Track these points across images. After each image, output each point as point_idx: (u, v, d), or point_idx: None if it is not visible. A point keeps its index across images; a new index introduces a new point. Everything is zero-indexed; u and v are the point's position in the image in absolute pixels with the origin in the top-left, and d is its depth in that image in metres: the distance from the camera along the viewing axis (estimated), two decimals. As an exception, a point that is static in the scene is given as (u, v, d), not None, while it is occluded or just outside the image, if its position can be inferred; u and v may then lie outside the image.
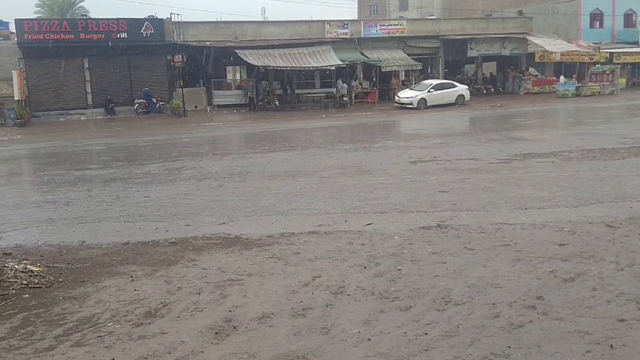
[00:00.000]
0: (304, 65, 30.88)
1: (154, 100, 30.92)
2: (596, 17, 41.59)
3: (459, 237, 7.30)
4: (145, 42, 30.48)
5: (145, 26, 30.57)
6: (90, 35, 29.76)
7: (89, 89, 30.74)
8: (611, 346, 4.32)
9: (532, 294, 5.35)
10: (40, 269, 6.51)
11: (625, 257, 6.26)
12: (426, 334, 4.64)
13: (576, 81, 34.74)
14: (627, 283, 5.54)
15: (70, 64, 30.20)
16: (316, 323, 4.95)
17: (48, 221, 9.09)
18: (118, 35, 30.04)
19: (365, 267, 6.31)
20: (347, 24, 34.77)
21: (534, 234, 7.31)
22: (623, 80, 36.93)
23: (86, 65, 30.49)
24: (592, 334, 4.53)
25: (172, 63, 30.53)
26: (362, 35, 34.69)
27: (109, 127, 26.17)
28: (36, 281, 6.17)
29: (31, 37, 28.88)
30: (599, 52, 37.65)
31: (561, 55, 35.45)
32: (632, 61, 39.55)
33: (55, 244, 7.77)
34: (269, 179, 11.77)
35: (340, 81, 32.70)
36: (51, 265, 6.75)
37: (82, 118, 30.12)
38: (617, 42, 41.03)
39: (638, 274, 5.77)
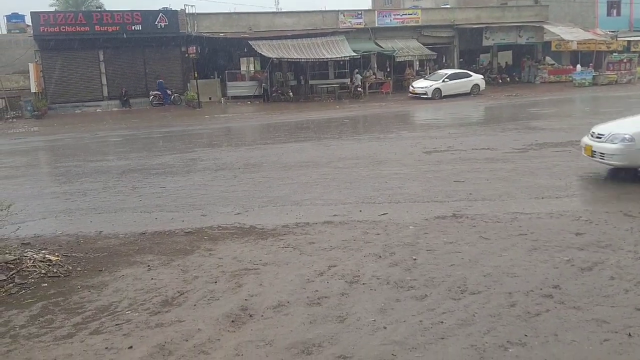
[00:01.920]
0: (317, 57, 30.79)
1: (169, 92, 31.02)
2: (613, 5, 41.01)
3: (474, 226, 7.26)
4: (159, 33, 30.55)
5: (160, 18, 30.64)
6: (105, 27, 29.89)
7: (104, 81, 30.92)
8: (629, 335, 4.29)
9: (549, 283, 5.32)
10: (59, 258, 6.59)
11: (643, 246, 6.19)
12: (442, 322, 4.63)
13: (593, 70, 34.28)
14: (645, 272, 5.49)
15: (85, 56, 30.39)
16: (332, 312, 4.96)
17: (65, 211, 9.19)
18: (132, 27, 30.13)
19: (380, 256, 6.31)
20: (361, 14, 34.58)
21: (550, 223, 7.25)
22: (640, 69, 36.42)
23: (101, 57, 30.66)
24: (609, 322, 4.49)
25: (187, 55, 30.56)
26: (376, 25, 34.49)
27: (124, 118, 26.33)
28: (55, 270, 6.25)
29: (47, 29, 29.06)
30: (616, 40, 37.10)
31: (578, 43, 34.99)
32: (651, 49, 38.95)
33: (73, 233, 7.85)
34: (284, 170, 11.78)
35: (356, 71, 32.61)
36: (69, 254, 6.82)
37: (98, 110, 30.33)
38: (634, 30, 40.42)
39: (656, 263, 5.71)
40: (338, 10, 34.32)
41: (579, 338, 4.28)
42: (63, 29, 29.20)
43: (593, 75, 33.45)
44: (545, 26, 36.46)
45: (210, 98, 31.38)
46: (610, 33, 38.05)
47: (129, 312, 5.20)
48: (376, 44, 33.88)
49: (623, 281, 5.31)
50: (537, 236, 6.71)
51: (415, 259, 6.15)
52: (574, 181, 9.44)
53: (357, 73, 32.66)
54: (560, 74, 36.39)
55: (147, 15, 30.44)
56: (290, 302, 5.20)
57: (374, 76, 34.44)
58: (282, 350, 4.33)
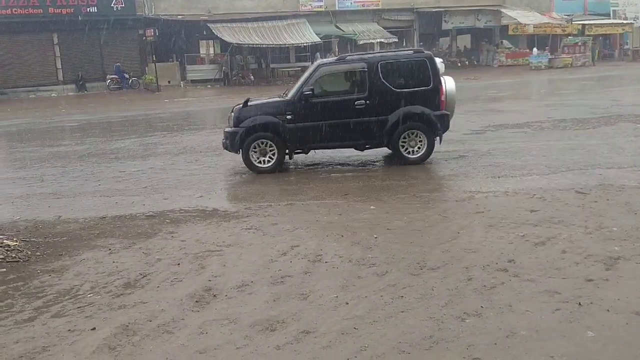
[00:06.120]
0: (280, 42, 30.60)
1: (126, 76, 30.47)
2: (568, -11, 41.83)
3: (433, 207, 7.43)
4: (115, 16, 29.90)
5: (116, 0, 29.94)
6: (59, 9, 29.08)
7: (59, 65, 30.17)
8: (579, 304, 4.50)
9: (505, 258, 5.50)
10: (17, 243, 6.48)
11: (593, 222, 6.45)
12: (402, 297, 4.77)
13: (549, 53, 35.07)
14: (595, 245, 5.73)
15: (39, 40, 29.55)
16: (295, 289, 5.04)
17: (23, 197, 9.01)
18: (88, 9, 29.42)
19: (342, 236, 6.41)
20: (322, -3, 34.45)
21: (506, 201, 7.47)
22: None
23: (55, 40, 29.86)
24: (561, 293, 4.70)
25: (144, 38, 30.04)
26: (337, 8, 34.47)
27: (81, 103, 25.76)
28: (13, 255, 6.16)
29: (-2, 11, 28.11)
30: (571, 24, 38.00)
31: (534, 27, 35.74)
32: (604, 33, 40.02)
33: (31, 219, 7.72)
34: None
35: (318, 55, 32.47)
36: (28, 239, 6.72)
37: (53, 95, 29.59)
38: (589, 14, 41.41)
39: (606, 237, 5.96)
40: (298, -7, 34.11)
41: (532, 308, 4.46)
42: (15, 11, 28.30)
43: (549, 59, 34.23)
44: (503, 10, 37.05)
45: (169, 82, 30.93)
46: (566, 17, 38.91)
47: (91, 295, 5.18)
48: (337, 27, 33.88)
49: (574, 254, 5.53)
50: (494, 214, 6.92)
51: (376, 238, 6.27)
52: (529, 161, 9.70)
53: (317, 58, 32.55)
54: (517, 58, 37.12)
55: (103, -3, 29.72)
56: (254, 282, 5.26)
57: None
58: (247, 328, 4.39)
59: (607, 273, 5.07)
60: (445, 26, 36.85)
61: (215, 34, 29.96)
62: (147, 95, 28.16)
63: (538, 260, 5.43)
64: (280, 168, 9.79)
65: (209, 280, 5.35)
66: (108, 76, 30.42)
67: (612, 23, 40.10)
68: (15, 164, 12.10)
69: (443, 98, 9.72)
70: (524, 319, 4.31)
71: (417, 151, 9.69)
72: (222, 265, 5.74)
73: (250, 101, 9.81)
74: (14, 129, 18.45)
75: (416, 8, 36.26)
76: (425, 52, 10.23)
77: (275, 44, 30.62)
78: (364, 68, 9.61)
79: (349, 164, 10.28)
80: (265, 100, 10.26)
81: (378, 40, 34.50)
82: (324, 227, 6.74)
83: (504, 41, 38.82)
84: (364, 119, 9.54)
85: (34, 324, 4.65)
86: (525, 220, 6.63)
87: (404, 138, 9.61)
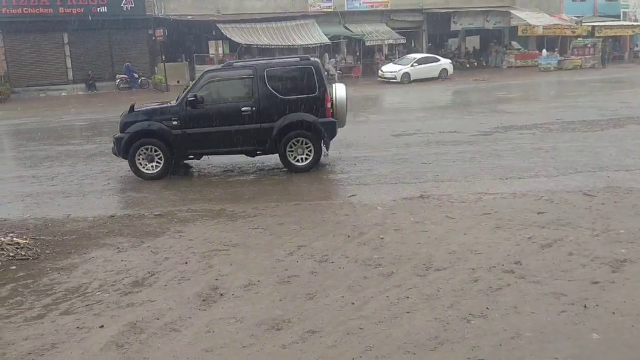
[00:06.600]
0: (288, 43, 30.61)
1: (136, 75, 30.56)
2: (578, -9, 41.62)
3: (440, 206, 7.44)
4: (125, 16, 29.98)
5: (125, 0, 30.07)
6: (70, 9, 29.19)
7: (69, 64, 30.28)
8: (585, 306, 4.50)
9: (511, 259, 5.51)
10: (27, 241, 6.55)
11: (600, 224, 6.44)
12: (408, 297, 4.79)
13: (558, 55, 34.90)
14: (602, 248, 5.72)
15: (49, 39, 29.68)
16: (301, 289, 5.07)
17: (32, 195, 9.09)
18: (98, 9, 29.50)
19: (349, 236, 6.43)
20: (331, -3, 34.44)
21: (513, 202, 7.47)
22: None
23: (66, 40, 29.98)
24: (567, 295, 4.70)
25: (154, 37, 30.10)
26: (345, 9, 34.40)
27: (90, 102, 25.89)
28: (23, 253, 6.23)
29: (9, 11, 28.27)
30: (581, 25, 37.76)
31: (543, 29, 35.55)
32: (614, 35, 39.77)
33: (41, 217, 7.79)
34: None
35: (327, 55, 32.44)
36: (37, 237, 6.79)
37: (63, 94, 29.72)
38: (598, 16, 41.17)
39: (613, 239, 5.95)
40: (307, -6, 34.11)
41: (538, 310, 4.47)
42: (26, 10, 28.43)
43: (558, 60, 34.04)
44: (512, 11, 36.88)
45: (178, 81, 30.96)
46: (575, 18, 38.67)
47: (100, 293, 5.23)
48: (345, 27, 33.85)
49: (581, 257, 5.53)
50: (501, 215, 6.92)
51: (382, 238, 6.29)
52: (537, 162, 9.68)
53: (332, 59, 32.49)
54: (527, 59, 36.91)
55: (113, -3, 29.85)
56: (261, 281, 5.29)
57: (344, 61, 34.42)
58: (253, 327, 4.43)
59: (614, 275, 5.07)
60: (454, 27, 36.72)
61: (224, 34, 30.02)
62: (156, 95, 28.18)
63: (544, 262, 5.43)
64: (169, 174, 9.73)
65: (216, 279, 5.39)
66: (117, 76, 30.53)
67: (622, 25, 39.82)
68: (26, 163, 12.19)
69: (329, 105, 9.65)
70: (530, 320, 4.32)
71: (304, 159, 9.66)
72: (229, 264, 5.78)
73: (136, 107, 9.85)
74: (24, 127, 18.57)
75: (425, 9, 36.15)
76: (312, 59, 10.12)
77: (283, 45, 30.63)
78: (250, 75, 9.60)
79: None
80: (151, 106, 10.26)
81: (386, 41, 34.47)
82: (331, 228, 6.75)
83: (513, 42, 38.65)
84: (251, 126, 9.51)
85: (43, 321, 4.71)
86: (533, 222, 6.63)
87: (291, 145, 9.59)
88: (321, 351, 4.04)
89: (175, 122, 9.50)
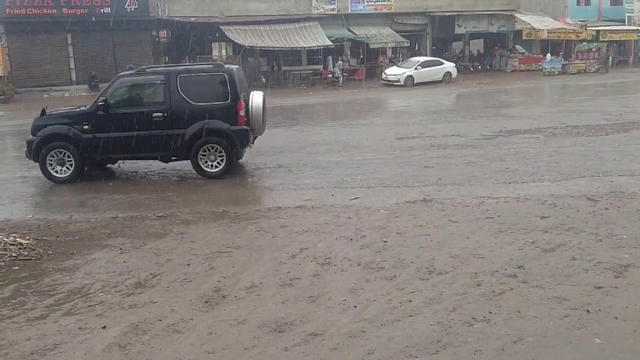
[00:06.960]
0: (292, 45, 30.63)
1: (139, 77, 30.62)
2: (583, -5, 41.58)
3: (443, 210, 7.43)
4: (129, 17, 30.04)
5: (129, 1, 30.12)
6: (73, 10, 29.27)
7: (72, 65, 30.33)
8: (587, 311, 4.49)
9: (514, 264, 5.50)
10: (30, 241, 6.56)
11: (604, 229, 6.43)
12: (410, 301, 4.78)
13: (562, 59, 34.86)
14: (605, 253, 5.71)
15: (53, 40, 29.73)
16: (303, 292, 5.07)
17: (35, 195, 9.11)
18: (102, 10, 29.57)
19: (351, 239, 6.43)
20: (334, 0, 34.49)
21: (516, 207, 7.46)
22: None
23: (69, 40, 30.03)
24: (569, 300, 4.69)
25: (157, 39, 30.19)
26: (349, 12, 34.43)
27: (94, 103, 25.93)
28: (26, 254, 6.23)
29: (13, 12, 28.36)
30: (586, 30, 37.74)
31: (548, 32, 35.53)
32: (618, 39, 39.74)
33: (44, 217, 7.81)
34: (256, 154, 11.80)
35: (330, 58, 32.43)
36: (40, 238, 6.80)
37: (66, 94, 29.75)
38: (603, 20, 41.13)
39: (616, 245, 5.94)
40: (311, -4, 34.16)
41: (540, 314, 4.47)
42: (30, 11, 28.52)
43: (562, 64, 34.01)
44: (517, 15, 36.87)
45: (181, 83, 31.01)
46: (580, 22, 38.64)
47: (102, 294, 5.23)
48: (349, 30, 33.87)
49: (584, 262, 5.52)
50: (504, 219, 6.91)
51: (385, 242, 6.29)
52: (541, 167, 9.67)
53: (337, 61, 32.46)
54: (531, 63, 36.88)
55: (117, -2, 29.93)
56: (263, 284, 5.29)
57: (348, 63, 34.45)
58: (255, 329, 4.43)
59: (617, 280, 5.06)
60: (458, 30, 36.72)
61: (228, 36, 30.06)
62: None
63: (547, 266, 5.42)
64: (81, 178, 9.75)
65: (219, 281, 5.39)
66: (121, 77, 30.59)
67: (627, 29, 39.80)
68: (29, 163, 12.18)
69: (242, 113, 9.62)
70: (532, 325, 4.31)
71: (216, 166, 9.65)
72: (232, 266, 5.78)
73: (48, 110, 9.87)
74: (27, 128, 18.57)
75: (429, 12, 36.16)
76: (226, 66, 10.10)
77: (287, 47, 30.66)
78: (162, 80, 9.61)
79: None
80: (63, 110, 10.28)
81: (390, 43, 34.48)
82: (333, 231, 6.75)
83: (517, 46, 38.63)
84: (163, 132, 9.50)
85: (45, 321, 4.71)
86: (536, 226, 6.62)
87: (204, 152, 9.59)
88: (323, 354, 4.04)
89: (86, 127, 9.49)
